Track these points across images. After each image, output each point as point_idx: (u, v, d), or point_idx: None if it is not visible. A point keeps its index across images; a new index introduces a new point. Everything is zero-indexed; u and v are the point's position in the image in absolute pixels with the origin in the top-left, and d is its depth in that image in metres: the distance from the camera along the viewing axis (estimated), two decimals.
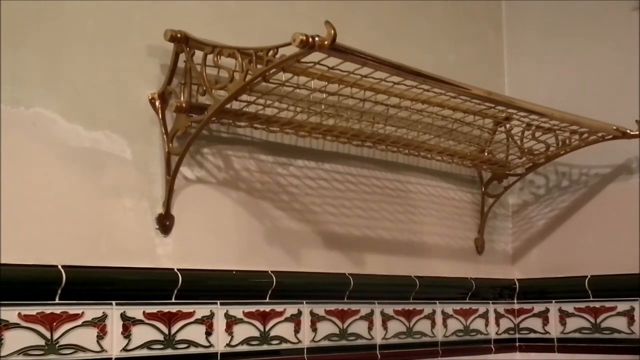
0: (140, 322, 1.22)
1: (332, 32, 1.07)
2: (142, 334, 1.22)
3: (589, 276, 1.71)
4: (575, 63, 1.80)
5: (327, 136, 1.44)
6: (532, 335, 1.81)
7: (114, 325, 1.19)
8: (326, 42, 1.08)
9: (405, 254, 1.66)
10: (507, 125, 1.63)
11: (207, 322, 1.30)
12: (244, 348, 1.35)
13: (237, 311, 1.35)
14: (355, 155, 1.58)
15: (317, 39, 1.07)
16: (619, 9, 1.74)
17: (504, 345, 1.81)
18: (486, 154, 1.69)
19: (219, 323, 1.32)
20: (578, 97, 1.74)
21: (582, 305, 1.72)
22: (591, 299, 1.70)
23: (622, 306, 1.66)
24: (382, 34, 1.65)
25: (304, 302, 1.45)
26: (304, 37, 1.07)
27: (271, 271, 1.40)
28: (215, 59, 1.20)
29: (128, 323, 1.21)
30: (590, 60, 1.78)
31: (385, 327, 1.58)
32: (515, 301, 1.83)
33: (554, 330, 1.76)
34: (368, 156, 1.60)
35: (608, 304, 1.68)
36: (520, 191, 1.86)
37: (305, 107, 1.35)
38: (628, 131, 1.57)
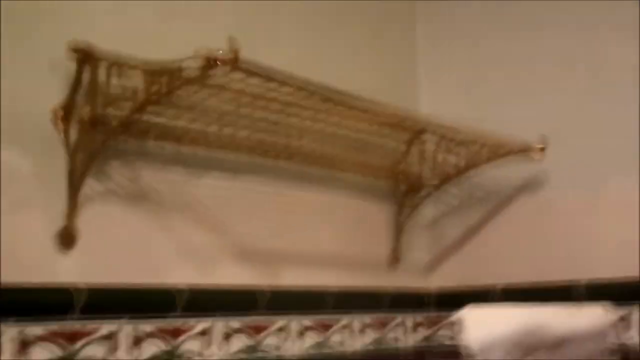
0: (42, 339, 1.20)
1: (235, 48, 1.08)
2: (39, 353, 1.19)
3: (500, 285, 1.75)
4: (486, 79, 1.85)
5: (241, 149, 1.44)
6: (448, 344, 1.84)
7: (6, 344, 1.16)
8: (230, 58, 1.09)
9: (322, 266, 1.67)
10: (421, 139, 1.67)
11: (113, 338, 1.29)
12: None
13: (145, 327, 1.34)
14: (270, 168, 1.59)
15: (219, 55, 1.08)
16: (531, 29, 1.79)
17: (420, 355, 1.84)
18: (401, 167, 1.72)
19: (126, 339, 1.30)
20: (489, 112, 1.79)
21: None
22: None
23: None
24: (301, 50, 1.67)
25: (216, 316, 1.45)
26: (207, 53, 1.08)
27: (182, 285, 1.39)
28: (120, 72, 1.20)
29: (27, 340, 1.18)
30: (500, 77, 1.83)
31: (301, 339, 1.59)
32: (431, 311, 1.86)
33: None
34: (283, 169, 1.61)
35: None
36: (435, 203, 1.89)
37: (216, 120, 1.35)
38: (535, 146, 1.62)
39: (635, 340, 1.56)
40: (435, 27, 1.97)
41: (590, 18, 1.71)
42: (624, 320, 1.58)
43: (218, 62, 1.08)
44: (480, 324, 1.13)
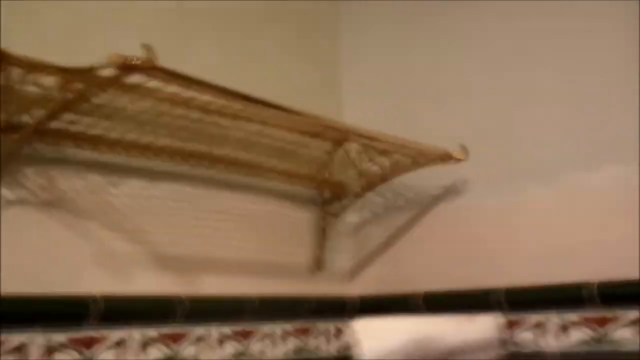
0: None
1: (152, 53, 1.07)
2: None
3: (421, 292, 1.77)
4: (409, 87, 1.88)
5: (161, 156, 1.43)
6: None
7: None
8: (146, 65, 1.07)
9: (244, 274, 1.66)
10: (345, 147, 1.68)
11: (23, 349, 1.25)
12: None
13: (59, 337, 1.30)
14: (192, 175, 1.57)
15: (135, 60, 1.06)
16: (456, 37, 1.83)
17: None
18: (325, 175, 1.73)
19: (37, 350, 1.27)
20: (412, 120, 1.82)
21: None
22: (424, 314, 1.76)
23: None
24: (221, 55, 1.66)
25: (134, 325, 1.42)
26: (122, 59, 1.06)
27: (98, 293, 1.37)
28: (34, 77, 1.17)
29: None
30: (422, 85, 1.86)
31: (222, 348, 1.58)
32: (355, 318, 1.87)
33: None
34: (206, 176, 1.60)
35: None
36: (359, 210, 1.91)
37: (136, 127, 1.33)
38: (454, 155, 1.65)
39: (552, 346, 1.60)
40: (360, 35, 1.99)
41: (515, 24, 1.75)
42: (540, 326, 1.62)
43: (134, 68, 1.06)
44: (372, 335, 1.14)
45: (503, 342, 1.48)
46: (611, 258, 1.55)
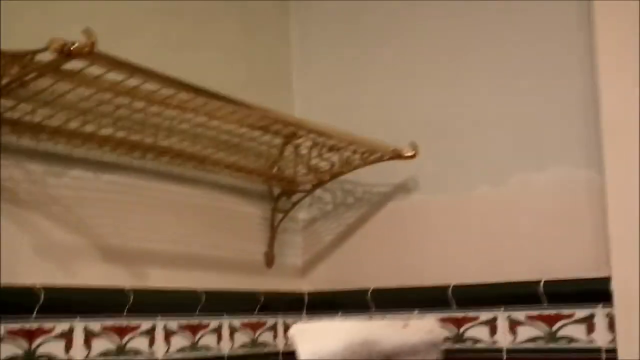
0: None
1: (91, 39, 1.05)
2: None
3: (371, 289, 1.77)
4: (360, 83, 1.88)
5: (104, 146, 1.40)
6: None
7: None
8: (85, 50, 1.05)
9: (191, 268, 1.64)
10: (295, 142, 1.67)
11: None
12: None
13: None
14: (137, 167, 1.55)
15: (75, 46, 1.04)
16: (408, 30, 1.83)
17: (292, 358, 1.83)
18: (275, 169, 1.72)
19: None
20: (363, 117, 1.82)
21: (366, 316, 1.78)
22: (374, 310, 1.77)
23: (404, 317, 1.72)
24: (170, 49, 1.63)
25: (77, 317, 1.40)
26: (61, 43, 1.04)
27: (39, 285, 1.34)
28: None
29: None
30: (373, 82, 1.86)
31: (168, 343, 1.56)
32: (304, 314, 1.87)
33: None
34: (152, 168, 1.57)
35: (389, 315, 1.75)
36: (309, 207, 1.90)
37: (77, 115, 1.30)
38: (404, 152, 1.65)
39: (503, 343, 1.61)
40: (310, 30, 1.98)
41: (465, 20, 1.75)
42: (489, 324, 1.63)
43: (73, 53, 1.04)
44: (311, 339, 1.15)
45: (442, 344, 1.50)
46: (559, 257, 1.57)
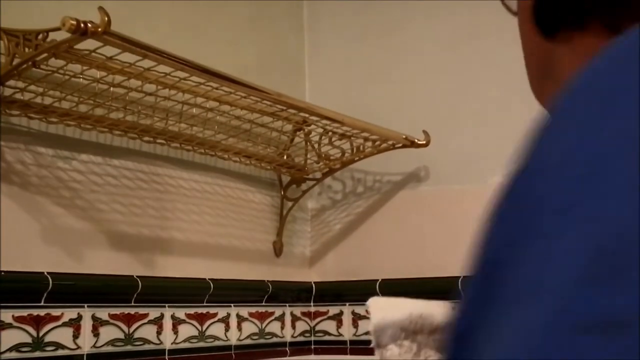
0: None
1: (106, 18, 1.02)
2: None
3: (379, 280, 1.75)
4: (373, 71, 1.85)
5: (114, 130, 1.38)
6: (327, 337, 1.83)
7: None
8: (99, 29, 1.02)
9: (200, 256, 1.62)
10: (306, 130, 1.65)
11: None
12: (14, 355, 1.25)
13: (6, 316, 1.25)
14: (148, 152, 1.52)
15: (89, 25, 1.02)
16: (418, 20, 1.81)
17: (299, 348, 1.82)
18: (285, 157, 1.69)
19: None
20: (375, 105, 1.79)
21: None
22: None
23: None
24: (181, 31, 1.61)
25: (85, 305, 1.37)
26: (75, 22, 1.01)
27: (48, 272, 1.31)
28: None
29: None
30: (386, 70, 1.83)
31: (175, 331, 1.54)
32: (312, 304, 1.85)
33: (347, 332, 1.80)
34: (161, 154, 1.55)
35: None
36: (318, 195, 1.88)
37: (88, 98, 1.28)
38: (416, 140, 1.63)
39: None
40: (322, 14, 1.94)
41: (482, 7, 1.73)
42: None
43: (87, 32, 1.02)
44: (382, 308, 1.32)
45: None
46: None
